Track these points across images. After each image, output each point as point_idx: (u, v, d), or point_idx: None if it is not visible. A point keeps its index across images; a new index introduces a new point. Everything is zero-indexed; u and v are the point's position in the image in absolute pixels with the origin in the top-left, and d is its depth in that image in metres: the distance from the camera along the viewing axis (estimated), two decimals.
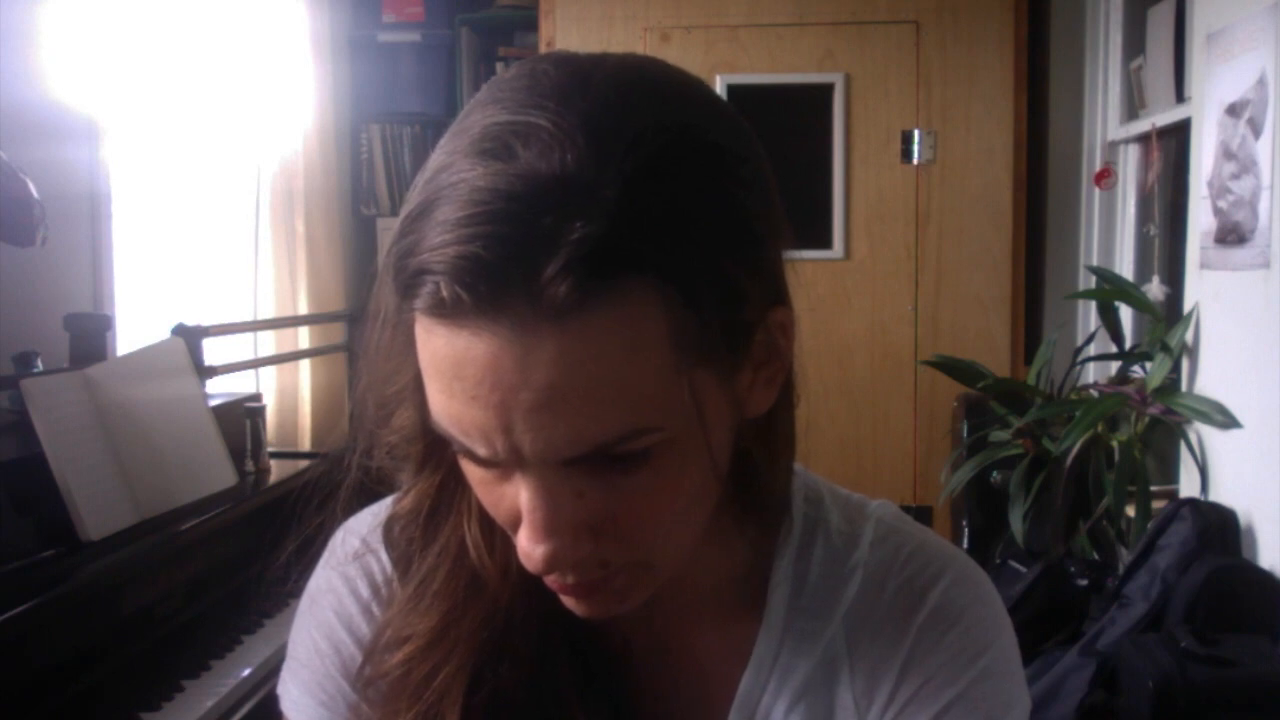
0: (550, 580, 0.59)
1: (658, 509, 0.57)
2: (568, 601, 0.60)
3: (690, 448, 0.55)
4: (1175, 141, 2.86)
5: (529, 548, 0.55)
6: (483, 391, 0.51)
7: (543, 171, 0.50)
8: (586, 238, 0.49)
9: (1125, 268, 3.17)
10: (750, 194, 0.56)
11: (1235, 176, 2.18)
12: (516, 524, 0.56)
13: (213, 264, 3.05)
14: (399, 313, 0.55)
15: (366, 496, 0.70)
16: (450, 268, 0.50)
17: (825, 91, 3.43)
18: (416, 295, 0.51)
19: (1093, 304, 3.12)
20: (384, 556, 0.71)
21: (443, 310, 0.51)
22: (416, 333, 0.54)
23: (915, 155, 3.42)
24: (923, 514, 3.24)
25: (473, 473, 0.58)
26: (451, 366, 0.52)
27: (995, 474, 2.86)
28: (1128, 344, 2.82)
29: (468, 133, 0.53)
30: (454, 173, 0.52)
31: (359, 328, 0.62)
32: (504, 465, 0.55)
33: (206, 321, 2.35)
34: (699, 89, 0.58)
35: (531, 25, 3.57)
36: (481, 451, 0.54)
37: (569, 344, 0.50)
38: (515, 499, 0.55)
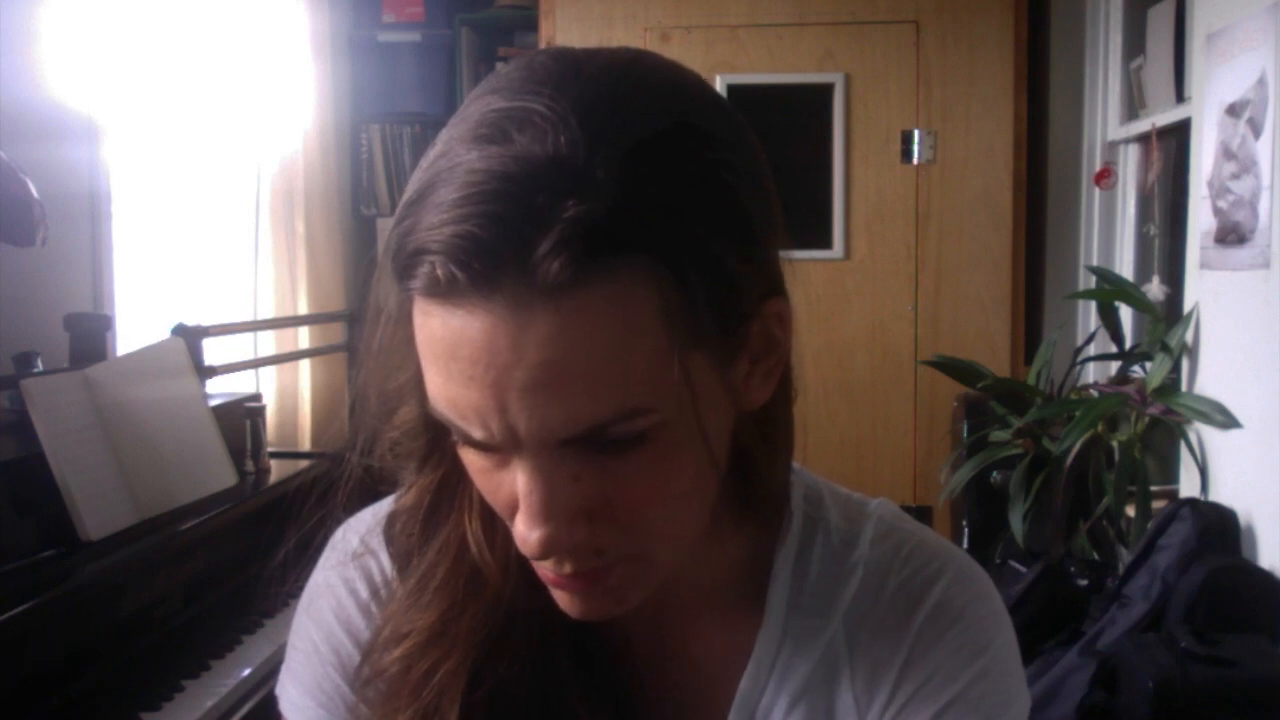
0: (546, 573, 0.59)
1: (654, 496, 0.57)
2: (563, 601, 0.60)
3: (686, 434, 0.55)
4: (1175, 141, 2.86)
5: (525, 532, 0.55)
6: (478, 371, 0.52)
7: (537, 153, 0.51)
8: (579, 216, 0.50)
9: (1125, 268, 3.17)
10: (742, 182, 0.56)
11: (1235, 176, 2.18)
12: (514, 511, 0.57)
13: (213, 264, 3.05)
14: (399, 300, 0.55)
15: (367, 495, 0.70)
16: (446, 247, 0.50)
17: (825, 91, 3.43)
18: (414, 276, 0.52)
19: (1093, 304, 3.12)
20: (383, 557, 0.71)
21: (438, 290, 0.51)
22: (415, 318, 0.55)
23: (915, 155, 3.42)
24: (923, 514, 3.24)
25: (471, 461, 0.58)
26: (448, 347, 0.52)
27: (995, 474, 2.86)
28: (1128, 344, 2.82)
29: (465, 121, 0.54)
30: (451, 158, 0.53)
31: (359, 327, 0.63)
32: (501, 449, 0.55)
33: (206, 321, 2.35)
34: (693, 80, 0.59)
35: (531, 25, 3.58)
36: (478, 434, 0.54)
37: (563, 322, 0.50)
38: (513, 486, 0.56)
